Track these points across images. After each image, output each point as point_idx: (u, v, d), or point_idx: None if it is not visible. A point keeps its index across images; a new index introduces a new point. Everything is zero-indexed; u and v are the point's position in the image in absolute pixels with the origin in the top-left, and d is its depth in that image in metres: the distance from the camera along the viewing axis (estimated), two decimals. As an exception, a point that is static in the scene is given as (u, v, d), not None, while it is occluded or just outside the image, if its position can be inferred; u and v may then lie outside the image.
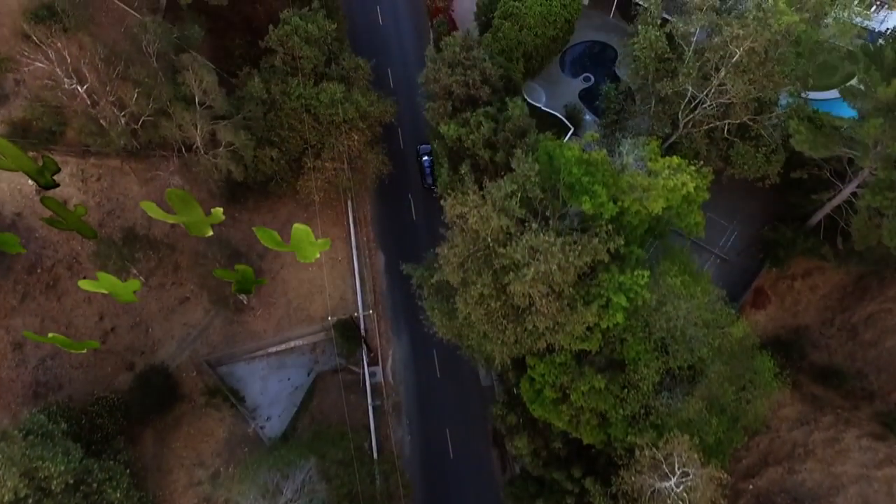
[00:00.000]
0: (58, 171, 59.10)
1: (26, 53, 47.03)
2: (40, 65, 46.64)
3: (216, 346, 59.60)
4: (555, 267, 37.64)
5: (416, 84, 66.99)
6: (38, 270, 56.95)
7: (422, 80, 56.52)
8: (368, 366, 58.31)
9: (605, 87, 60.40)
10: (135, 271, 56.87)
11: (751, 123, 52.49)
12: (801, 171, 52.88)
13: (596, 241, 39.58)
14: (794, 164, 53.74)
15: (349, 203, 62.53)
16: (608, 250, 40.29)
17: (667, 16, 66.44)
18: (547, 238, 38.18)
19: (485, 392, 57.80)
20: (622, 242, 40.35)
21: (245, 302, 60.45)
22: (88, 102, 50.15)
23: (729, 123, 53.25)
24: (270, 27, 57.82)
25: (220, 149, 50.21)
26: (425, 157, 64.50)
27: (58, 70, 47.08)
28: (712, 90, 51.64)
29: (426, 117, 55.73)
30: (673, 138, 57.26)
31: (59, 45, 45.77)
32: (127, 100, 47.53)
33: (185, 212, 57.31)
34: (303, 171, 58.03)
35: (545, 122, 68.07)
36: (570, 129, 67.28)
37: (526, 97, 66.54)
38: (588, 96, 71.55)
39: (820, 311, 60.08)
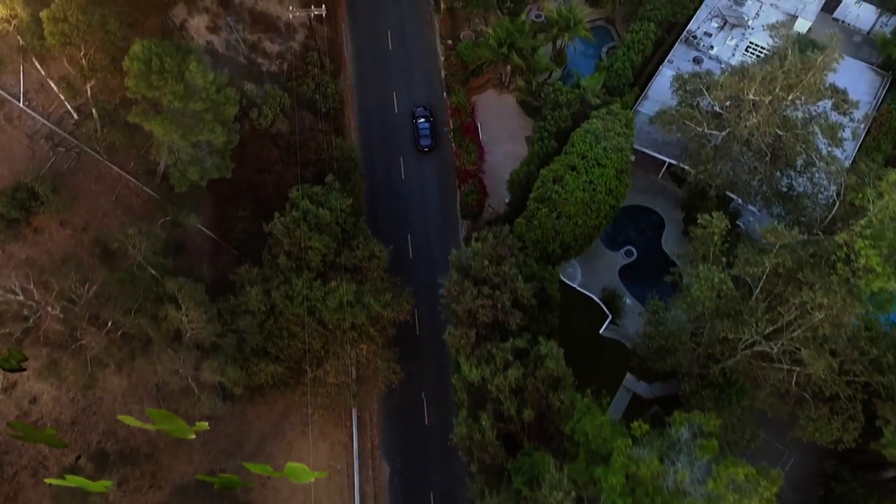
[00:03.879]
0: (24, 359, 52.96)
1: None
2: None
3: (194, 565, 52.71)
4: None
5: (437, 259, 60.23)
6: (-2, 480, 50.54)
7: (442, 290, 49.45)
8: None
9: (652, 301, 52.61)
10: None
11: (827, 381, 44.65)
12: (880, 444, 44.82)
13: None
14: (873, 427, 45.74)
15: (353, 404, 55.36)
16: None
17: (729, 194, 59.30)
18: None
19: None
20: None
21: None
22: (60, 316, 43.64)
23: (798, 373, 45.47)
24: (276, 215, 51.27)
25: (205, 384, 43.39)
26: (421, 120, 64.61)
27: (18, 294, 40.76)
28: (782, 343, 44.02)
29: (447, 340, 48.43)
30: (727, 363, 49.62)
31: (25, 279, 39.56)
32: (97, 341, 40.99)
33: (166, 424, 50.99)
34: (302, 380, 51.16)
35: (579, 304, 60.87)
36: (607, 316, 59.83)
37: (560, 276, 59.25)
38: (630, 274, 64.03)
39: (889, 572, 51.66)
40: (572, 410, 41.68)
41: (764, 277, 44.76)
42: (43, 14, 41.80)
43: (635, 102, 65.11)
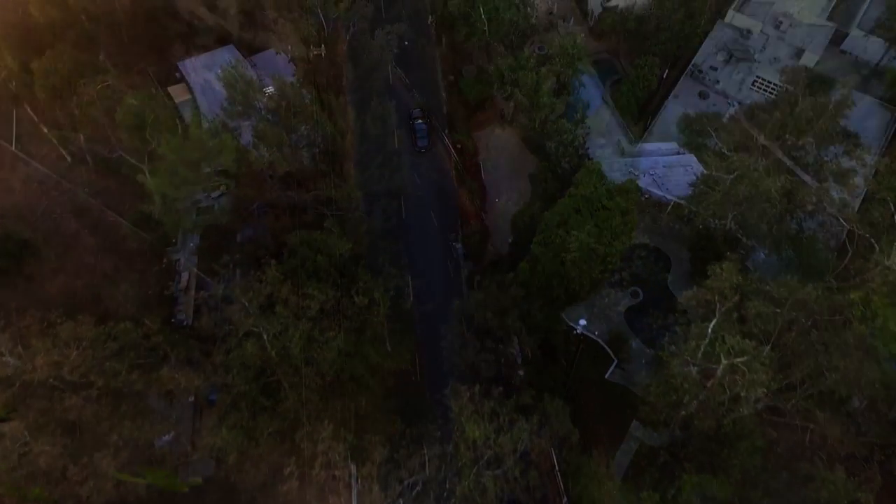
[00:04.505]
0: (13, 410, 51.93)
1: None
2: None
3: None
4: None
5: (439, 302, 58.74)
6: (-15, 538, 48.92)
7: (445, 343, 48.07)
8: None
9: (661, 354, 50.84)
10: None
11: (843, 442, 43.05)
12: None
13: None
14: (892, 486, 44.16)
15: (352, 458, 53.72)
16: None
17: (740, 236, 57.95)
18: None
19: None
20: None
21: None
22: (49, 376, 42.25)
23: (812, 430, 43.90)
24: (273, 262, 49.87)
25: (198, 445, 41.94)
26: (418, 121, 66.56)
27: (6, 355, 39.44)
28: (794, 401, 42.52)
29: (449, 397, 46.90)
30: (738, 414, 47.98)
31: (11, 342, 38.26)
32: (86, 401, 39.61)
33: (159, 480, 49.64)
34: (299, 432, 49.56)
35: (584, 347, 59.15)
36: (613, 360, 58.24)
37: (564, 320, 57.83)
38: (636, 316, 62.37)
39: None
40: (579, 473, 40.18)
41: (776, 332, 43.32)
42: (34, 66, 40.65)
43: (640, 138, 63.95)
